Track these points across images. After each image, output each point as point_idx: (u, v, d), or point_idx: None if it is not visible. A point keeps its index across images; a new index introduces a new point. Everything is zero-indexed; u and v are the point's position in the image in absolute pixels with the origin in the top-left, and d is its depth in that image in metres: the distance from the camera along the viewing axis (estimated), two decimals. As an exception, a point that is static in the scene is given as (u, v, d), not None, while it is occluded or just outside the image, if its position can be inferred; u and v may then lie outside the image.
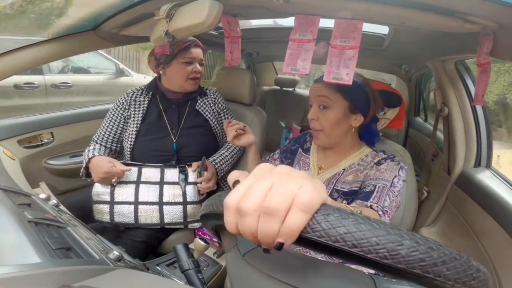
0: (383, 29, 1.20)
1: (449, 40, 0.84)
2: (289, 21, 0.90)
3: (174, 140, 1.08)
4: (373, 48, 1.32)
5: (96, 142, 1.11)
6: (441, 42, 0.90)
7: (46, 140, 1.26)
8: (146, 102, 1.11)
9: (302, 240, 0.24)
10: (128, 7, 0.79)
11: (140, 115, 1.09)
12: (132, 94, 1.12)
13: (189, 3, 0.68)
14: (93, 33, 0.97)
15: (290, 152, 0.96)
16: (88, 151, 1.05)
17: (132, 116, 1.09)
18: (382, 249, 0.22)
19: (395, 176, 0.73)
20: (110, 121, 1.11)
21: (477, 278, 0.22)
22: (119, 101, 1.11)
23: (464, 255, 0.23)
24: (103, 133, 1.11)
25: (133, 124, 1.08)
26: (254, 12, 0.79)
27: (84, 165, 1.00)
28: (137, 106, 1.10)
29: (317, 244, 0.24)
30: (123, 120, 1.11)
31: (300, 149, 0.93)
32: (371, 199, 0.68)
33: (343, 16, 0.66)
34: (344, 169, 0.81)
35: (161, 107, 1.10)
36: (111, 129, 1.11)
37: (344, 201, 0.71)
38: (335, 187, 0.79)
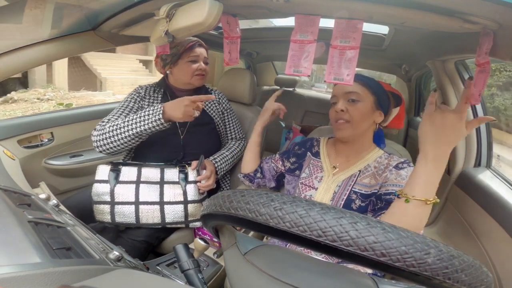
0: (383, 29, 1.20)
1: (449, 40, 0.84)
2: (288, 21, 0.90)
3: (182, 137, 1.11)
4: (373, 48, 1.32)
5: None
6: (441, 42, 0.90)
7: (46, 140, 1.26)
8: (159, 98, 1.13)
9: (325, 247, 0.24)
10: (128, 7, 0.79)
11: None
12: (146, 88, 1.14)
13: (189, 3, 0.68)
14: (93, 33, 0.97)
15: (297, 156, 0.97)
16: (129, 120, 0.95)
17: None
18: (410, 258, 0.22)
19: None
20: (126, 107, 1.08)
21: (485, 284, 0.24)
22: (133, 92, 1.13)
23: (477, 262, 0.24)
24: (115, 118, 1.04)
25: None
26: (254, 12, 0.79)
27: (154, 118, 0.93)
28: (151, 100, 1.12)
29: (335, 250, 0.24)
30: (140, 109, 1.10)
31: (308, 152, 0.94)
32: None
33: (343, 16, 0.66)
34: (360, 171, 0.81)
35: None
36: (127, 114, 1.07)
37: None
38: (353, 189, 0.79)
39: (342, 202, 0.78)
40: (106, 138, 0.96)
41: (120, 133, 0.95)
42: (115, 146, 0.97)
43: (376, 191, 0.76)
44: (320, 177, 0.85)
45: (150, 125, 0.93)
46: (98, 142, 0.97)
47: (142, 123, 0.94)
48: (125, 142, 0.96)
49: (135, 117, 0.95)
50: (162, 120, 0.93)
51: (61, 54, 0.96)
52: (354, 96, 0.79)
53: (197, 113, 0.94)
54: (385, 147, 0.98)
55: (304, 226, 0.25)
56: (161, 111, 0.93)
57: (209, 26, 0.67)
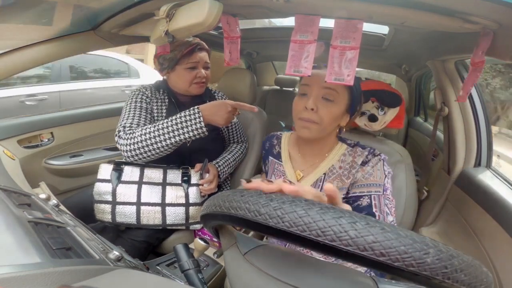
0: (383, 29, 1.20)
1: (449, 40, 0.84)
2: (288, 21, 0.90)
3: (188, 145, 1.07)
4: (373, 48, 1.32)
5: (137, 126, 0.94)
6: (441, 42, 0.90)
7: (46, 140, 1.26)
8: (166, 100, 1.09)
9: (324, 247, 0.24)
10: (128, 7, 0.79)
11: (164, 112, 1.06)
12: (151, 89, 1.08)
13: (189, 3, 0.68)
14: (93, 33, 0.97)
15: (263, 160, 0.91)
16: (160, 125, 0.88)
17: (155, 111, 1.05)
18: (409, 258, 0.22)
19: (385, 177, 0.70)
20: (140, 108, 1.00)
21: (484, 283, 0.24)
22: (138, 92, 1.05)
23: (476, 261, 0.24)
24: (137, 121, 0.96)
25: (158, 120, 1.04)
26: (254, 12, 0.79)
27: (197, 127, 0.87)
28: (159, 103, 1.07)
29: (334, 250, 0.24)
30: (150, 111, 1.04)
31: (270, 156, 0.87)
32: (376, 216, 0.65)
33: (343, 16, 0.66)
34: (324, 174, 0.75)
35: (177, 109, 1.07)
36: (145, 117, 0.99)
37: None
38: None
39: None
40: (138, 148, 0.88)
41: (156, 142, 0.88)
42: (149, 156, 0.90)
43: (343, 196, 0.73)
44: None
45: (191, 133, 0.87)
46: (128, 152, 0.89)
47: (181, 131, 0.87)
48: (162, 152, 0.90)
49: (169, 124, 0.88)
50: (204, 129, 0.87)
51: (61, 54, 0.96)
52: (331, 95, 0.69)
53: (235, 119, 0.90)
54: (384, 147, 0.98)
55: (303, 225, 0.25)
56: (201, 118, 0.86)
57: (209, 26, 0.67)
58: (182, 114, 0.89)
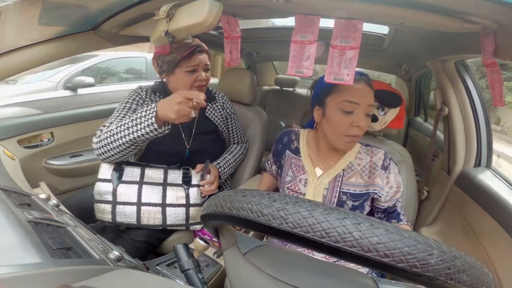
0: (383, 29, 1.20)
1: (449, 40, 0.84)
2: (288, 21, 0.90)
3: (188, 146, 1.07)
4: (373, 48, 1.32)
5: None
6: (441, 42, 0.90)
7: (46, 140, 1.26)
8: None
9: (328, 248, 0.24)
10: (128, 7, 0.79)
11: None
12: (146, 91, 1.06)
13: (189, 3, 0.68)
14: (93, 33, 0.97)
15: (277, 154, 0.93)
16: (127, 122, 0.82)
17: None
18: (413, 259, 0.23)
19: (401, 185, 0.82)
20: (128, 109, 0.97)
21: (485, 284, 0.24)
22: (133, 92, 1.03)
23: (478, 262, 0.24)
24: (117, 121, 0.92)
25: None
26: (254, 12, 0.79)
27: (149, 122, 0.79)
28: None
29: (338, 251, 0.24)
30: None
31: (287, 150, 0.89)
32: (401, 218, 0.84)
33: (343, 16, 0.66)
34: (343, 170, 0.80)
35: None
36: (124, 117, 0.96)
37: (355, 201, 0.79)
38: (341, 190, 0.78)
39: (334, 205, 0.78)
40: (103, 146, 0.86)
41: (114, 141, 0.83)
42: (112, 155, 0.87)
43: (367, 191, 0.79)
44: (305, 180, 0.82)
45: (143, 130, 0.79)
46: (97, 150, 0.88)
47: (135, 128, 0.80)
48: (121, 151, 0.85)
49: (128, 121, 0.83)
50: (156, 125, 0.78)
51: (61, 54, 0.96)
52: (370, 110, 0.75)
53: (193, 113, 0.80)
54: (384, 147, 0.98)
55: (307, 227, 0.25)
56: (154, 113, 0.78)
57: (209, 26, 0.67)
58: (140, 110, 0.82)
